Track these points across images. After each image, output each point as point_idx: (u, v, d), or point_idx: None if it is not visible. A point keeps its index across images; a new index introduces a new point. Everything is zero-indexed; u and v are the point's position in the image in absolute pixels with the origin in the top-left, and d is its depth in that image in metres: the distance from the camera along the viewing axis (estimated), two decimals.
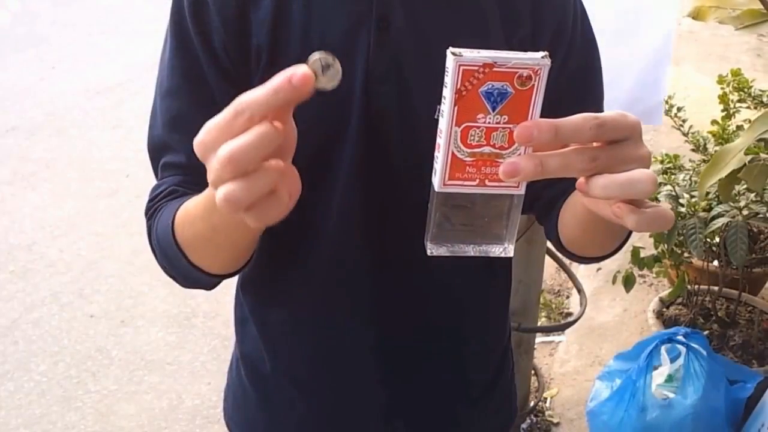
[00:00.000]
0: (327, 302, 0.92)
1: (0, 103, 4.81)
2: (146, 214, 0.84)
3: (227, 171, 0.50)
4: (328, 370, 0.97)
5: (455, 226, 0.58)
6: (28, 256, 3.28)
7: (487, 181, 0.55)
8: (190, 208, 0.72)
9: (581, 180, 0.54)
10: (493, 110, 0.52)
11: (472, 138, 0.53)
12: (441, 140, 0.54)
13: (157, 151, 0.86)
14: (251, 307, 0.98)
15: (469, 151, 0.54)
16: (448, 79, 0.51)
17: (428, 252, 0.59)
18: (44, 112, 4.71)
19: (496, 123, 0.53)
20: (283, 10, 0.80)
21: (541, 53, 0.51)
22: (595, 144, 0.53)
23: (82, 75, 5.31)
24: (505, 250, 0.60)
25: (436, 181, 0.55)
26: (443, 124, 0.53)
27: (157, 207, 0.82)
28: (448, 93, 0.52)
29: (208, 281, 0.80)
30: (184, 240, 0.75)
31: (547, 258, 2.13)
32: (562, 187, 0.81)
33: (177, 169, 0.84)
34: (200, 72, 0.82)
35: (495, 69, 0.50)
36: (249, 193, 0.51)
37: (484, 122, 0.53)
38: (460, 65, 0.50)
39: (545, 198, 0.88)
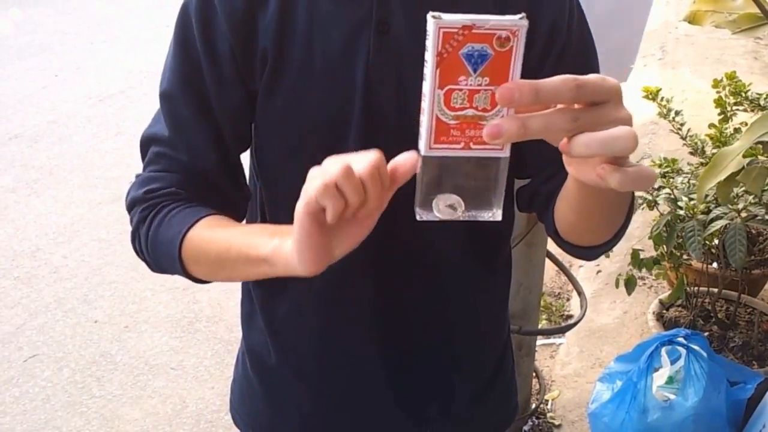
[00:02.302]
0: (330, 297, 0.94)
1: (3, 111, 4.84)
2: (140, 202, 0.86)
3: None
4: (332, 363, 1.00)
5: (443, 191, 0.59)
6: (32, 263, 3.30)
7: (472, 144, 0.56)
8: (219, 240, 0.77)
9: (564, 141, 0.55)
10: (475, 72, 0.53)
11: (455, 101, 0.54)
12: (425, 104, 0.54)
13: (154, 141, 0.89)
14: (261, 300, 1.00)
15: (452, 114, 0.54)
16: (429, 42, 0.52)
17: (417, 217, 0.60)
18: (47, 119, 4.74)
19: (478, 85, 0.54)
20: (287, 14, 0.82)
21: (519, 15, 0.52)
22: (576, 106, 0.54)
23: (84, 83, 5.34)
24: (493, 214, 0.60)
25: (422, 145, 0.56)
26: (426, 88, 0.54)
27: (158, 202, 0.85)
28: (429, 57, 0.53)
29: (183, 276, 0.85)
30: (192, 252, 0.80)
31: (547, 261, 2.15)
32: (559, 181, 0.82)
33: (173, 163, 0.87)
34: (200, 77, 0.84)
35: (474, 31, 0.52)
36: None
37: (466, 84, 0.54)
38: (440, 28, 0.51)
39: (543, 193, 0.90)
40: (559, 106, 0.54)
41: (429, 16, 0.52)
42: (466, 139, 0.56)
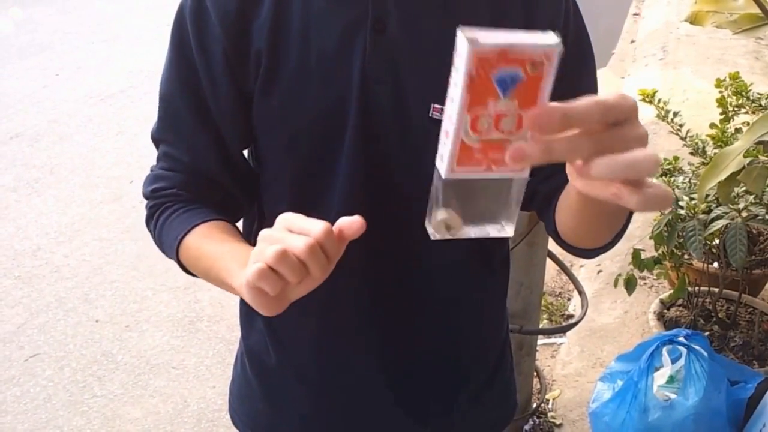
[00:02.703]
0: (328, 298, 0.93)
1: (4, 111, 4.84)
2: (149, 199, 0.93)
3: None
4: (331, 363, 1.00)
5: (460, 210, 0.57)
6: (33, 262, 3.30)
7: (493, 166, 0.54)
8: (206, 256, 0.82)
9: (578, 162, 0.54)
10: (504, 95, 0.51)
11: (481, 124, 0.52)
12: (450, 126, 0.52)
13: (160, 140, 0.93)
14: None
15: (477, 137, 0.53)
16: (460, 62, 0.50)
17: (431, 236, 0.59)
18: (48, 119, 4.75)
19: (506, 108, 0.52)
20: (282, 15, 0.83)
21: (555, 38, 0.50)
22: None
23: (84, 82, 5.35)
24: (505, 230, 0.59)
25: (444, 168, 0.54)
26: (453, 109, 0.52)
27: (162, 203, 0.91)
28: (459, 78, 0.50)
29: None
30: (187, 261, 0.86)
31: (548, 260, 2.15)
32: (559, 180, 0.83)
33: (176, 163, 0.91)
34: (196, 79, 0.86)
35: (509, 55, 0.49)
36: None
37: (495, 108, 0.51)
38: (474, 50, 0.49)
39: (543, 192, 0.90)
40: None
41: (461, 35, 0.49)
42: (488, 161, 0.54)
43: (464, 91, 0.50)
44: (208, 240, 0.83)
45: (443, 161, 0.54)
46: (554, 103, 0.51)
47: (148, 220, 0.93)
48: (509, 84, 0.51)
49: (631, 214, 0.82)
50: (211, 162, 0.90)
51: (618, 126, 0.53)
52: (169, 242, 0.87)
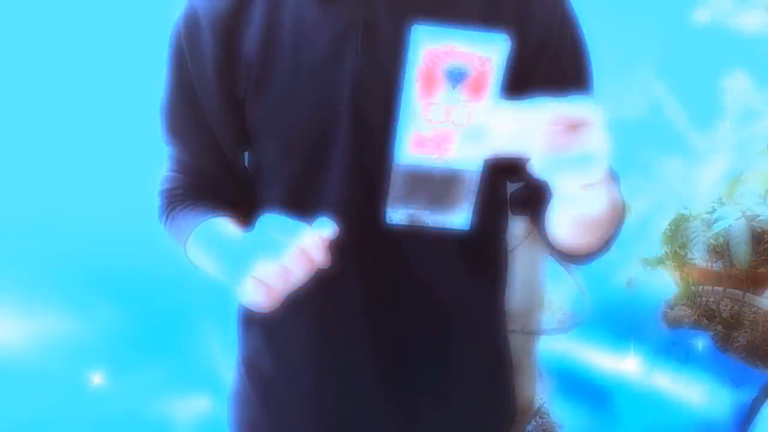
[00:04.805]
0: (323, 303, 0.93)
1: None
2: (160, 198, 0.98)
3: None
4: (326, 370, 1.00)
5: (414, 196, 0.61)
6: None
7: (445, 155, 0.58)
8: (207, 252, 0.86)
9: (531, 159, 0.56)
10: (454, 88, 0.55)
11: (432, 114, 0.56)
12: (403, 113, 0.56)
13: (166, 142, 0.97)
14: None
15: (429, 126, 0.56)
16: (412, 55, 0.54)
17: (387, 219, 0.62)
18: None
19: (456, 101, 0.55)
20: (273, 22, 0.84)
21: (502, 35, 0.54)
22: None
23: None
24: (460, 221, 0.62)
25: (397, 152, 0.58)
26: (406, 98, 0.56)
27: (170, 202, 0.96)
28: (411, 69, 0.54)
29: None
30: (193, 259, 0.91)
31: (550, 258, 2.13)
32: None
33: (182, 166, 0.96)
34: (192, 87, 0.88)
35: (456, 50, 0.53)
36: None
37: (445, 99, 0.55)
38: (423, 43, 0.53)
39: (536, 198, 0.89)
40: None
41: (413, 28, 0.53)
42: (440, 151, 0.58)
43: (415, 80, 0.55)
44: (208, 239, 0.87)
45: (397, 146, 0.58)
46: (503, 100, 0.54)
47: (160, 219, 0.98)
48: (458, 78, 0.55)
49: (621, 221, 0.82)
50: (212, 165, 0.93)
51: (574, 130, 0.55)
52: (177, 240, 0.93)
